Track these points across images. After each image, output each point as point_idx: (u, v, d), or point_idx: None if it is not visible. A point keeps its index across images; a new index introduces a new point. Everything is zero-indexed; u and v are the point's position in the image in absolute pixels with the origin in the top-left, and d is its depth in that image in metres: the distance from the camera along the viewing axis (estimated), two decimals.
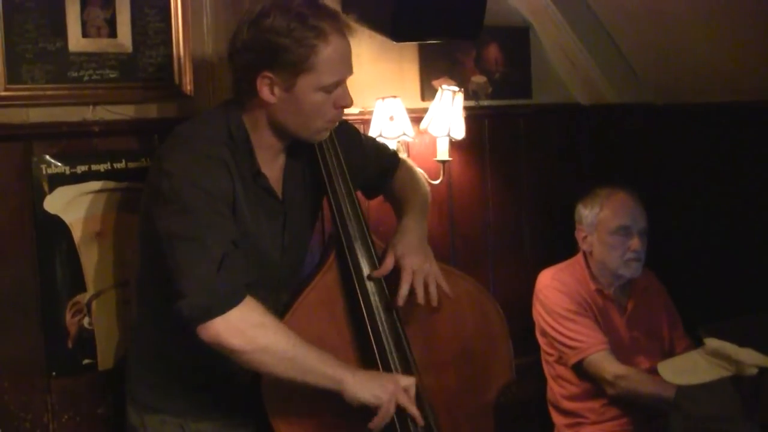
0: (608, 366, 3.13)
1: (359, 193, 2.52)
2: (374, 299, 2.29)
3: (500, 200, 3.67)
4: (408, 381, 2.19)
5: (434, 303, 2.31)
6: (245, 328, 2.03)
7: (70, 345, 2.66)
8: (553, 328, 3.26)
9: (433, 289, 2.31)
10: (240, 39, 2.17)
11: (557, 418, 3.40)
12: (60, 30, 2.58)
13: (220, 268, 2.01)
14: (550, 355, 3.34)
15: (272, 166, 2.31)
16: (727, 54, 3.39)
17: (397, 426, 2.22)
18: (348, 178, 2.37)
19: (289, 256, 2.37)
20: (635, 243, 3.26)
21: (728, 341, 2.72)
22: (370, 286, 2.29)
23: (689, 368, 2.83)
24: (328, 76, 2.15)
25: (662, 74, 3.76)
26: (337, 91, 2.19)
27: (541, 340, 3.38)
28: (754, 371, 2.66)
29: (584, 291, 3.29)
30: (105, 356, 2.72)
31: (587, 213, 3.36)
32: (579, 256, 3.40)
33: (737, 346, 2.70)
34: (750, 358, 2.66)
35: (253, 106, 2.21)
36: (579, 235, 3.40)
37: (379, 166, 2.61)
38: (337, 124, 2.32)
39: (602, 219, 3.31)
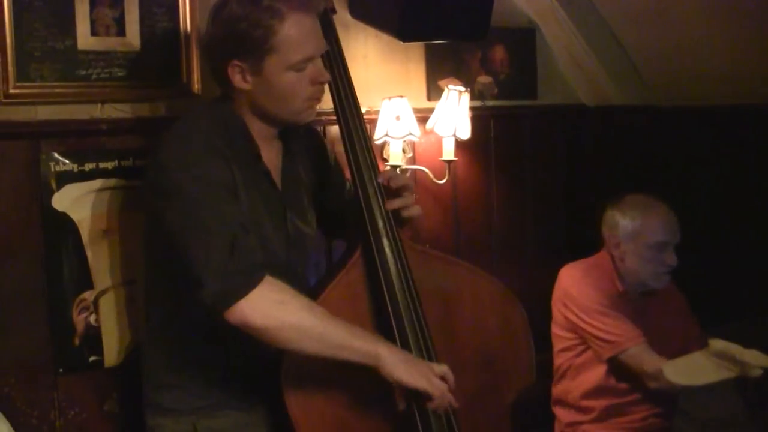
0: (649, 358, 3.06)
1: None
2: (402, 298, 2.27)
3: (505, 200, 3.67)
4: (443, 369, 2.18)
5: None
6: (269, 307, 2.04)
7: (76, 342, 2.67)
8: (586, 322, 3.19)
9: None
10: (206, 34, 2.25)
11: (564, 415, 3.37)
12: (69, 29, 2.59)
13: (233, 252, 2.02)
14: (571, 350, 3.29)
15: (270, 157, 2.32)
16: (732, 56, 3.39)
17: (418, 419, 2.21)
18: (378, 174, 2.37)
19: (294, 249, 2.36)
20: (671, 258, 3.18)
21: (733, 342, 2.73)
22: (398, 284, 2.28)
23: (694, 369, 2.84)
24: (294, 54, 2.16)
25: (667, 76, 3.76)
26: (309, 68, 2.20)
27: (562, 334, 3.32)
28: (759, 372, 2.67)
29: (613, 290, 3.25)
30: (111, 353, 2.73)
31: (625, 222, 3.25)
32: (605, 257, 3.32)
33: (742, 347, 2.71)
34: (755, 359, 2.66)
35: (235, 96, 2.25)
36: (611, 240, 3.29)
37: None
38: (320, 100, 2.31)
39: (641, 232, 3.21)
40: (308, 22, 2.19)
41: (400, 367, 2.10)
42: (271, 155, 2.32)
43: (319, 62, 2.23)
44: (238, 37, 2.14)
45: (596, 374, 3.22)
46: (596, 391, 3.23)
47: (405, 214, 2.36)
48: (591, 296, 3.21)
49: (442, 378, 2.17)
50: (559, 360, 3.35)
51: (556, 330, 3.35)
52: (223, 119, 2.23)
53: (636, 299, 3.28)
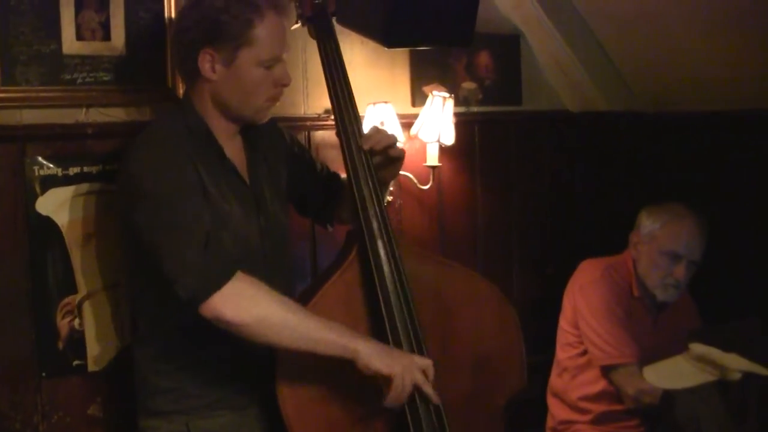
0: (634, 381, 3.07)
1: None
2: (394, 298, 2.29)
3: (490, 206, 3.69)
4: (424, 362, 2.20)
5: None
6: (242, 301, 2.08)
7: (60, 346, 2.66)
8: (590, 325, 3.20)
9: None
10: (181, 21, 2.30)
11: (559, 411, 3.38)
12: (54, 32, 2.59)
13: (206, 249, 2.08)
14: (574, 347, 3.30)
15: (234, 154, 2.36)
16: (716, 63, 3.41)
17: (408, 416, 2.23)
18: (375, 176, 2.40)
19: (270, 240, 2.39)
20: (680, 271, 3.18)
21: (713, 346, 2.75)
22: (392, 285, 2.30)
23: (675, 373, 2.86)
24: (266, 51, 2.24)
25: (652, 82, 3.79)
26: (276, 68, 2.28)
27: (568, 329, 3.32)
28: (738, 376, 2.69)
29: (628, 294, 3.26)
30: (95, 357, 2.72)
31: (648, 223, 3.27)
32: (627, 259, 3.33)
33: (722, 351, 2.73)
34: (734, 363, 2.69)
35: (198, 89, 2.30)
36: (633, 238, 3.32)
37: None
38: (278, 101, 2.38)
39: (658, 236, 3.22)
40: (281, 23, 2.28)
41: (376, 357, 2.12)
42: (234, 151, 2.37)
43: (285, 65, 2.31)
44: (217, 26, 2.20)
45: (600, 380, 3.22)
46: (597, 396, 3.25)
47: (392, 153, 2.43)
48: (605, 297, 3.21)
49: (423, 372, 2.19)
50: (562, 354, 3.36)
51: (563, 323, 3.35)
52: (186, 122, 2.29)
53: (650, 307, 3.29)
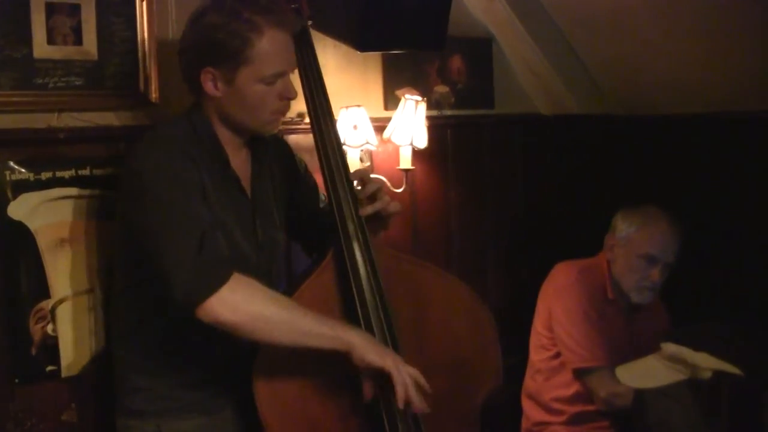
0: (606, 383, 3.10)
1: None
2: (371, 300, 2.30)
3: (463, 208, 3.70)
4: (413, 370, 2.19)
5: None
6: (239, 301, 2.07)
7: (33, 352, 2.64)
8: (563, 327, 3.22)
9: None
10: (183, 39, 2.29)
11: (533, 413, 3.39)
12: (25, 37, 2.57)
13: (202, 249, 2.06)
14: (547, 349, 3.31)
15: (238, 165, 2.36)
16: (687, 66, 3.45)
17: (385, 421, 2.24)
18: (350, 179, 2.41)
19: (265, 254, 2.40)
20: (655, 274, 3.21)
21: (684, 346, 2.78)
22: (367, 287, 2.31)
23: (647, 372, 2.88)
24: (267, 68, 2.22)
25: (624, 86, 3.82)
26: (279, 83, 2.26)
27: (542, 331, 3.33)
28: (709, 374, 2.72)
29: (602, 297, 3.28)
30: (69, 363, 2.70)
31: (623, 226, 3.29)
32: (602, 261, 3.35)
33: (692, 351, 2.76)
34: (704, 361, 2.72)
35: (205, 103, 2.30)
36: (608, 241, 3.34)
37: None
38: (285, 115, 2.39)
39: (634, 239, 3.25)
40: (283, 38, 2.25)
41: (371, 350, 2.13)
42: (239, 162, 2.37)
43: (289, 79, 2.29)
44: (215, 45, 2.20)
45: (573, 381, 3.24)
46: (571, 398, 3.27)
47: (385, 213, 2.42)
48: (580, 300, 3.23)
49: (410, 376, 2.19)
50: (536, 356, 3.37)
51: (537, 325, 3.36)
52: (193, 127, 2.29)
53: (624, 309, 3.31)
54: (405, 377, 2.14)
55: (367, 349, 2.13)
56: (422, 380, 2.19)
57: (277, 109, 2.31)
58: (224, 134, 2.32)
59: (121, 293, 2.42)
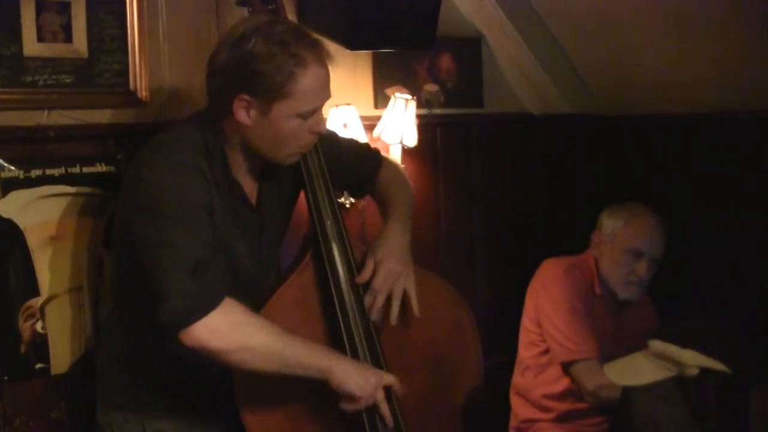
0: (593, 376, 3.11)
1: None
2: (349, 300, 2.30)
3: (452, 207, 3.71)
4: (391, 379, 2.21)
5: (393, 320, 2.33)
6: (226, 330, 2.04)
7: (22, 349, 2.65)
8: (551, 321, 3.22)
9: (396, 305, 2.33)
10: (219, 60, 2.17)
11: (522, 410, 3.40)
12: (15, 35, 2.57)
13: (195, 273, 2.02)
14: (536, 345, 3.32)
15: (247, 177, 2.31)
16: (676, 67, 3.46)
17: (366, 425, 2.24)
18: (328, 179, 2.38)
19: (266, 272, 2.39)
20: (641, 268, 3.23)
21: (671, 343, 2.80)
22: (346, 287, 2.30)
23: (634, 369, 2.89)
24: (305, 104, 2.15)
25: (612, 86, 3.82)
26: (313, 117, 2.20)
27: (530, 327, 3.34)
28: (696, 371, 2.73)
29: (589, 293, 3.29)
30: (58, 360, 2.71)
31: (610, 222, 3.31)
32: (589, 258, 3.36)
33: (679, 348, 2.77)
34: (691, 359, 2.73)
35: (227, 124, 2.21)
36: (595, 238, 3.36)
37: (361, 168, 2.61)
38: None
39: (620, 234, 3.27)
40: (325, 74, 2.18)
41: (350, 379, 2.12)
42: (247, 178, 2.32)
43: (321, 112, 2.24)
44: (257, 75, 2.10)
45: (563, 378, 3.25)
46: (560, 395, 3.27)
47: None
48: (567, 294, 3.23)
49: (388, 387, 2.21)
50: (525, 353, 3.38)
51: (525, 322, 3.38)
52: (205, 141, 2.21)
53: (611, 306, 3.33)
54: (369, 403, 2.16)
55: (345, 378, 2.12)
56: (397, 388, 2.22)
57: (305, 144, 2.25)
58: (237, 156, 2.26)
59: (112, 292, 2.42)
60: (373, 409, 2.21)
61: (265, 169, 2.34)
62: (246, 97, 2.13)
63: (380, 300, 2.31)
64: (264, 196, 2.37)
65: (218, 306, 2.03)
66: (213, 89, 2.21)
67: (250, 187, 2.33)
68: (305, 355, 2.11)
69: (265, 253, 2.38)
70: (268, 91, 2.11)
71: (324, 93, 2.21)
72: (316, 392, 2.18)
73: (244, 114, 2.15)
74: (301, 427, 2.27)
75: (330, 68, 2.20)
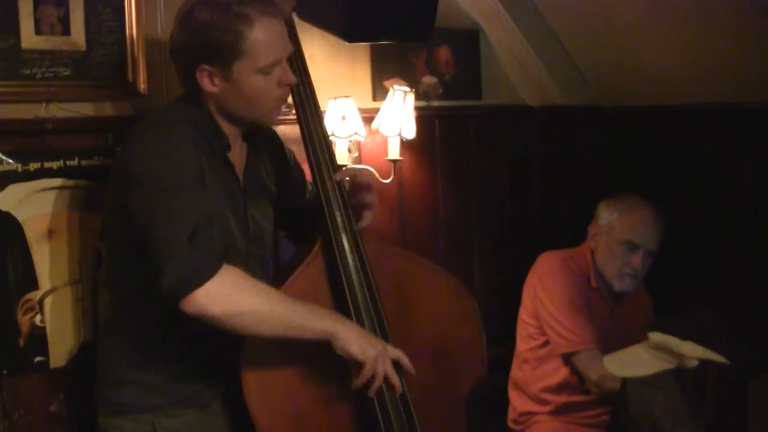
0: (596, 366, 3.10)
1: None
2: (359, 291, 2.31)
3: (450, 199, 3.71)
4: (398, 353, 2.23)
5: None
6: (225, 295, 2.05)
7: (21, 343, 2.65)
8: (550, 313, 3.23)
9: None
10: (174, 39, 2.24)
11: (520, 402, 3.40)
12: (12, 27, 2.57)
13: (193, 241, 2.04)
14: (534, 338, 3.32)
15: (235, 154, 2.34)
16: (673, 58, 3.46)
17: (377, 408, 2.26)
18: (336, 170, 2.41)
19: (254, 246, 2.39)
20: (636, 260, 3.23)
21: (670, 335, 2.80)
22: (356, 278, 2.32)
23: (634, 361, 2.89)
24: (263, 59, 2.19)
25: (610, 77, 3.83)
26: (276, 70, 2.23)
27: (528, 320, 3.34)
28: (695, 363, 2.74)
29: (586, 285, 3.30)
30: (57, 354, 2.71)
31: (606, 214, 3.32)
32: (586, 250, 3.37)
33: (679, 340, 2.77)
34: (691, 350, 2.74)
35: (203, 98, 2.27)
36: (591, 230, 3.37)
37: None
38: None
39: (616, 226, 3.27)
40: (276, 25, 2.22)
41: (353, 342, 2.15)
42: (235, 153, 2.35)
43: (285, 64, 2.26)
44: (208, 42, 2.16)
45: (560, 370, 3.26)
46: (557, 387, 3.28)
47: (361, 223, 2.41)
48: (563, 288, 3.24)
49: (396, 362, 2.22)
50: (523, 346, 3.38)
51: (523, 315, 3.38)
52: (192, 115, 2.25)
53: (607, 298, 3.33)
54: (378, 371, 2.18)
55: (349, 340, 2.14)
56: (406, 361, 2.24)
57: (279, 96, 2.28)
58: (223, 126, 2.29)
59: (110, 283, 2.40)
60: (381, 396, 2.23)
61: (252, 150, 2.40)
62: (206, 66, 2.19)
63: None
64: (249, 171, 2.40)
65: (217, 272, 2.04)
66: (178, 69, 2.28)
67: (238, 161, 2.36)
68: (309, 318, 2.14)
69: (252, 225, 2.38)
70: (223, 55, 2.17)
71: (280, 44, 2.24)
72: (327, 377, 2.21)
73: (208, 83, 2.21)
74: (305, 409, 2.28)
75: (280, 21, 2.23)
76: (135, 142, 2.18)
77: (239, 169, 2.36)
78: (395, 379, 2.22)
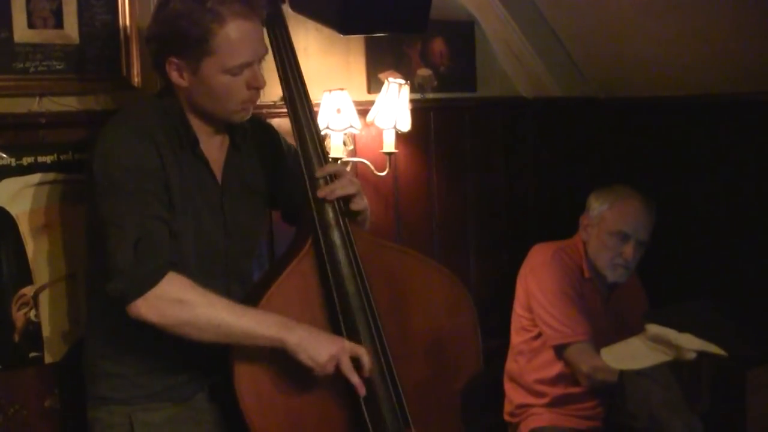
0: (587, 358, 3.12)
1: None
2: (350, 287, 2.30)
3: (445, 191, 3.71)
4: (357, 350, 2.21)
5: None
6: (165, 306, 2.08)
7: (16, 338, 2.64)
8: (542, 305, 3.23)
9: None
10: (149, 28, 2.25)
11: (516, 395, 3.41)
12: (5, 21, 2.54)
13: (137, 251, 2.07)
14: (528, 330, 3.33)
15: (212, 149, 2.33)
16: (668, 49, 3.46)
17: (364, 409, 2.25)
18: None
19: (234, 242, 2.38)
20: (628, 251, 3.24)
21: (668, 327, 2.80)
22: (347, 274, 2.30)
23: (631, 353, 2.90)
24: (230, 59, 2.17)
25: (604, 69, 3.83)
26: (245, 72, 2.21)
27: (522, 313, 3.35)
28: (693, 355, 2.74)
29: (579, 276, 3.30)
30: (52, 349, 2.70)
31: (596, 205, 3.33)
32: (578, 241, 3.38)
33: (676, 332, 2.78)
34: (688, 342, 2.74)
35: (175, 91, 2.27)
36: (583, 221, 3.37)
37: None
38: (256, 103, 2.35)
39: (606, 217, 3.28)
40: (248, 27, 2.19)
41: (302, 349, 2.14)
42: (212, 148, 2.34)
43: (256, 68, 2.25)
44: (177, 34, 2.15)
45: (556, 362, 3.26)
46: (553, 379, 3.29)
47: (352, 207, 2.38)
48: (555, 279, 3.25)
49: (355, 359, 2.21)
50: (517, 339, 3.39)
51: (517, 307, 3.39)
52: (162, 108, 2.26)
53: (601, 288, 3.34)
54: (332, 371, 2.17)
55: (296, 348, 2.14)
56: (365, 359, 2.21)
57: (246, 98, 2.26)
58: (195, 119, 2.29)
59: (90, 277, 2.42)
60: (372, 398, 2.23)
61: (234, 146, 2.39)
62: (174, 59, 2.20)
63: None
64: (229, 167, 2.38)
65: (159, 282, 2.07)
66: (152, 59, 2.28)
67: (215, 155, 2.35)
68: (254, 327, 2.13)
69: (231, 225, 2.37)
70: (191, 49, 2.17)
71: (251, 47, 2.21)
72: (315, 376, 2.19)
73: (176, 76, 2.22)
74: (299, 410, 2.27)
75: (254, 24, 2.21)
76: (99, 140, 2.20)
77: (217, 164, 2.35)
78: (354, 378, 2.20)
